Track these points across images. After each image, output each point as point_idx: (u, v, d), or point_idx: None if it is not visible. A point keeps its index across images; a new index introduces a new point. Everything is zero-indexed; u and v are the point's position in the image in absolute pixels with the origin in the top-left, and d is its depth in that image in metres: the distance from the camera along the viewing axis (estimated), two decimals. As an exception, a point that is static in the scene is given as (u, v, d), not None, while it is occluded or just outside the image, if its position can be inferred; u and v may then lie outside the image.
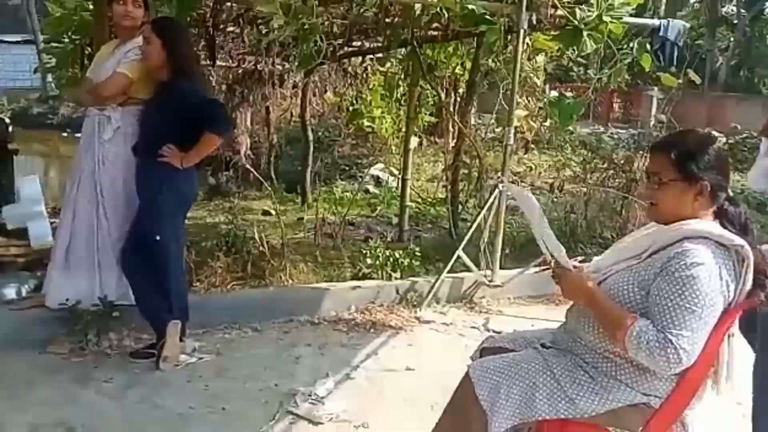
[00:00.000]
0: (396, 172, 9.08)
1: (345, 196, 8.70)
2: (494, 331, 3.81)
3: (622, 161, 5.81)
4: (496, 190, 4.32)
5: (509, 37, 4.88)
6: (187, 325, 3.25)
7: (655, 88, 11.85)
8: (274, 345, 3.48)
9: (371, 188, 9.41)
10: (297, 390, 2.92)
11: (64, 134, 14.84)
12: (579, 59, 8.34)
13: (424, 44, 5.87)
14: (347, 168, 10.09)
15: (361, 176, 10.13)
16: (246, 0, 4.47)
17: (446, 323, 3.94)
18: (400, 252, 4.37)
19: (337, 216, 6.63)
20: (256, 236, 4.74)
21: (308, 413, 2.74)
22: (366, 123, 8.64)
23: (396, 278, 4.23)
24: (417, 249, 4.50)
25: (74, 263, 3.19)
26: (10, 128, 5.70)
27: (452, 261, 4.20)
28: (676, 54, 5.54)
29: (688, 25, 5.74)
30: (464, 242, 4.27)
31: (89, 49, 5.84)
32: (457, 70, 6.40)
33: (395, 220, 6.91)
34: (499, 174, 4.64)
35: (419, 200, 7.26)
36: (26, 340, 3.16)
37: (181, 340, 3.17)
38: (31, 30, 20.16)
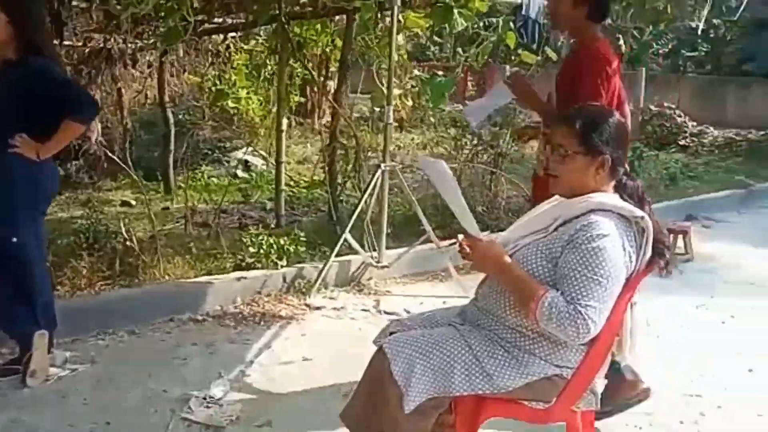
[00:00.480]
0: (265, 155, 8.81)
1: (212, 182, 8.31)
2: (386, 312, 3.82)
3: (489, 138, 6.02)
4: (379, 171, 4.30)
5: (380, 14, 4.85)
6: (55, 334, 2.90)
7: (507, 66, 12.46)
8: (156, 348, 3.22)
9: (240, 173, 9.07)
10: (190, 394, 2.72)
11: None
12: (435, 38, 8.49)
13: (292, 21, 5.69)
14: (210, 152, 9.64)
15: (227, 161, 9.73)
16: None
17: (337, 308, 3.87)
18: (285, 238, 4.22)
19: (207, 204, 6.30)
20: (123, 230, 4.34)
21: (206, 418, 2.55)
22: (231, 104, 8.26)
23: (282, 266, 4.08)
24: (302, 234, 4.36)
25: None
26: None
27: (339, 244, 4.13)
28: (537, 31, 5.82)
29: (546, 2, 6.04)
30: (350, 225, 4.20)
31: None
32: (326, 49, 6.26)
33: (270, 206, 6.71)
34: (379, 154, 4.62)
35: (293, 183, 7.09)
36: None
37: (49, 351, 2.82)
38: None
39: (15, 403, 2.60)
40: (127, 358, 3.09)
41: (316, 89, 8.26)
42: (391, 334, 2.11)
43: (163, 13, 4.04)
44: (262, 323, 3.57)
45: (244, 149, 9.61)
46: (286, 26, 5.48)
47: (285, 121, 7.10)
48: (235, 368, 3.02)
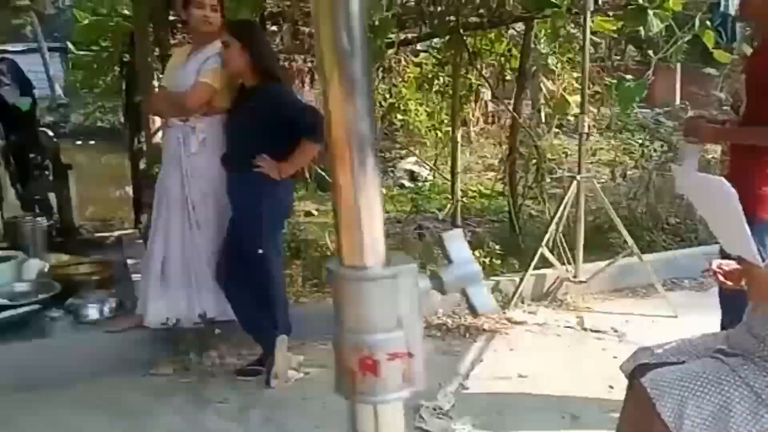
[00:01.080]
0: (432, 165, 8.94)
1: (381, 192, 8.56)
2: (591, 330, 3.71)
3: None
4: (574, 182, 4.20)
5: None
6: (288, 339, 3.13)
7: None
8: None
9: (406, 183, 9.28)
10: (420, 404, 2.81)
11: (78, 142, 14.66)
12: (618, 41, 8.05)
13: (467, 31, 5.73)
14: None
15: (392, 171, 10.00)
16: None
17: (539, 323, 3.82)
18: (480, 251, 4.24)
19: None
20: (328, 240, 4.60)
21: (441, 430, 2.62)
22: (399, 116, 8.48)
23: (479, 278, 4.09)
24: (497, 247, 4.36)
25: (170, 282, 3.06)
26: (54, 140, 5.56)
27: (536, 257, 4.08)
28: (734, 29, 5.39)
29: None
30: (546, 238, 4.14)
31: (127, 56, 5.71)
32: (502, 58, 6.24)
33: (441, 216, 6.79)
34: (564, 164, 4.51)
35: (468, 193, 7.12)
36: (129, 363, 3.05)
37: (284, 355, 3.05)
38: (33, 38, 19.88)
39: (263, 403, 2.84)
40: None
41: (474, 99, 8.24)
42: (640, 366, 2.02)
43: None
44: (467, 336, 3.61)
45: (408, 159, 9.84)
46: (464, 37, 5.53)
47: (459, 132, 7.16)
48: (454, 380, 3.08)
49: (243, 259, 2.95)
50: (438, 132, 8.52)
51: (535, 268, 4.23)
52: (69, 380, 2.96)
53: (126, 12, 5.05)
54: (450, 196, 7.01)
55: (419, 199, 7.41)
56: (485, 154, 9.97)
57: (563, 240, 4.37)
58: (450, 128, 7.92)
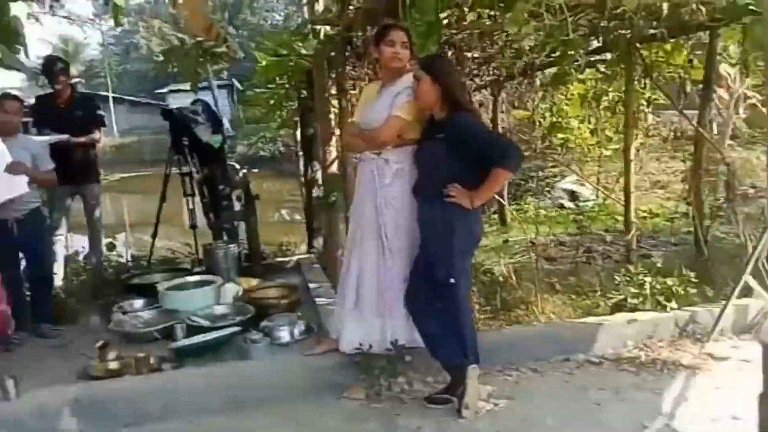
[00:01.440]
0: (594, 184, 8.56)
1: (540, 213, 8.32)
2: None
3: None
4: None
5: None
6: (473, 368, 3.09)
7: None
8: (564, 388, 3.23)
9: (566, 203, 8.96)
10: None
11: (254, 170, 15.83)
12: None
13: (641, 44, 5.42)
14: (531, 183, 9.71)
15: (549, 191, 9.71)
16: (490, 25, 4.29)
17: (745, 360, 3.46)
18: (673, 279, 3.95)
19: (541, 236, 6.26)
20: (503, 267, 4.54)
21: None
22: (560, 135, 8.25)
23: (672, 309, 3.81)
24: (692, 274, 4.04)
25: (364, 308, 3.16)
26: (240, 173, 6.02)
27: (739, 287, 3.72)
28: None
29: None
30: (750, 265, 3.76)
31: (305, 92, 6.07)
32: (679, 70, 5.84)
33: (609, 238, 6.46)
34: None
35: (639, 213, 6.71)
36: (323, 386, 3.18)
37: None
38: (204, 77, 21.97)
39: (456, 432, 2.82)
40: (539, 395, 3.15)
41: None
42: None
43: (555, 55, 4.14)
44: (664, 371, 3.35)
45: (568, 179, 9.51)
46: (638, 51, 5.25)
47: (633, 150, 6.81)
48: (657, 419, 2.86)
49: (433, 288, 2.98)
50: (602, 149, 8.15)
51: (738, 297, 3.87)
52: (268, 401, 3.14)
53: (303, 51, 5.38)
54: (619, 217, 6.66)
55: (583, 220, 7.11)
56: (650, 170, 9.38)
57: (766, 266, 3.96)
58: (617, 145, 7.56)
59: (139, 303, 4.65)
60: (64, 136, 4.95)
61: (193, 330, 3.99)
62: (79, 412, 2.90)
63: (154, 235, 5.72)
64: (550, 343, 3.59)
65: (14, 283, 4.14)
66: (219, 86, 23.05)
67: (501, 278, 4.64)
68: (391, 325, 3.14)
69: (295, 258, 5.82)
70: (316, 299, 4.33)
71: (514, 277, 4.42)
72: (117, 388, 3.11)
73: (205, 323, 4.10)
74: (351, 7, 4.08)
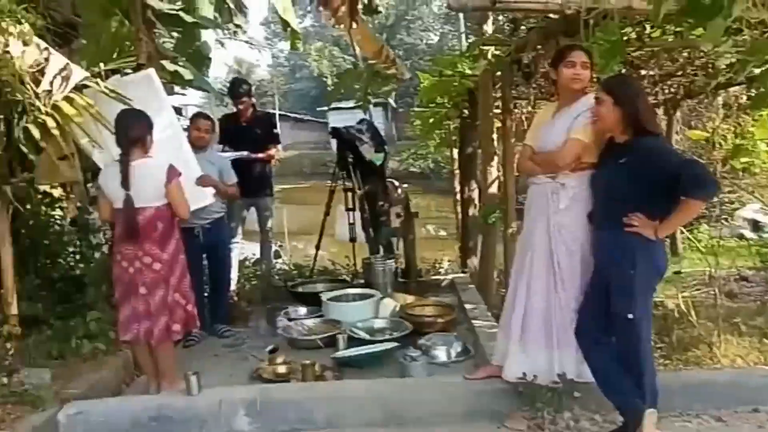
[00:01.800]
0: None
1: (715, 243, 7.60)
2: None
3: None
4: None
5: None
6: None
7: None
8: (755, 443, 2.90)
9: (747, 233, 8.15)
10: None
11: (405, 185, 16.17)
12: None
13: None
14: (710, 211, 8.94)
15: (726, 219, 8.88)
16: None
17: None
18: None
19: (721, 268, 5.67)
20: (679, 302, 4.19)
21: None
22: (744, 159, 7.48)
23: None
24: None
25: (530, 337, 3.05)
26: (399, 190, 6.14)
27: None
28: None
29: None
30: None
31: (466, 111, 6.08)
32: None
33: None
34: None
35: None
36: (483, 413, 3.11)
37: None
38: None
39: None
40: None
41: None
42: None
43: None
44: None
45: (748, 207, 8.65)
46: None
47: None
48: None
49: (610, 322, 2.80)
50: (794, 175, 7.29)
51: None
52: (427, 420, 3.12)
53: (468, 71, 5.39)
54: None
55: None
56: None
57: None
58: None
59: (303, 311, 4.90)
60: (244, 153, 5.35)
61: (353, 341, 4.11)
62: (252, 412, 3.08)
63: (317, 246, 5.99)
64: (737, 390, 3.23)
65: (197, 286, 4.53)
66: (374, 104, 23.92)
67: (676, 314, 4.27)
68: (559, 357, 3.00)
69: (449, 277, 5.81)
70: (473, 321, 4.27)
71: (693, 314, 4.05)
72: (286, 392, 3.26)
73: (365, 336, 4.21)
74: (523, 27, 4.02)
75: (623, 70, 5.00)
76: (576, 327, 2.95)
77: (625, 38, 3.47)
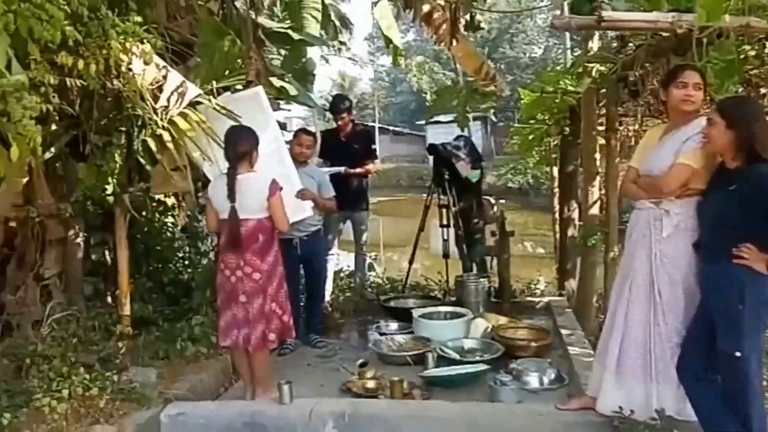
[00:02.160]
0: None
1: None
2: None
3: None
4: None
5: None
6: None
7: None
8: None
9: None
10: None
11: (501, 201, 15.95)
12: None
13: None
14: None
15: None
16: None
17: None
18: None
19: None
20: None
21: None
22: None
23: None
24: None
25: (627, 368, 2.91)
26: (495, 208, 6.07)
27: None
28: None
29: None
30: None
31: (566, 129, 5.93)
32: None
33: None
34: None
35: None
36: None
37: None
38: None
39: None
40: None
41: None
42: None
43: None
44: None
45: None
46: None
47: None
48: None
49: (715, 359, 2.63)
50: None
51: None
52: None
53: (570, 88, 5.26)
54: None
55: None
56: None
57: None
58: None
59: (394, 326, 4.94)
60: (342, 169, 5.49)
61: (442, 360, 4.09)
62: (340, 424, 3.14)
63: (410, 262, 6.03)
64: None
65: (293, 296, 4.67)
66: (474, 118, 23.79)
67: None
68: (658, 392, 2.84)
69: (545, 299, 5.65)
70: (569, 347, 4.13)
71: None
72: (375, 408, 3.30)
73: (455, 356, 4.18)
74: (631, 44, 3.88)
75: (740, 90, 4.71)
76: (678, 362, 2.78)
77: (742, 56, 3.26)
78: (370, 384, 3.74)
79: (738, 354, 2.56)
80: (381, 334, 4.72)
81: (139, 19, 3.63)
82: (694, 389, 2.74)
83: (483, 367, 3.85)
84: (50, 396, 3.27)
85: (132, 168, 4.38)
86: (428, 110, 8.47)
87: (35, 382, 3.48)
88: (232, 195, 3.52)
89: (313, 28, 8.57)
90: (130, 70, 3.79)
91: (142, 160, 4.26)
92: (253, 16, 5.54)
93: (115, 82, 3.67)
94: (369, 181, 5.89)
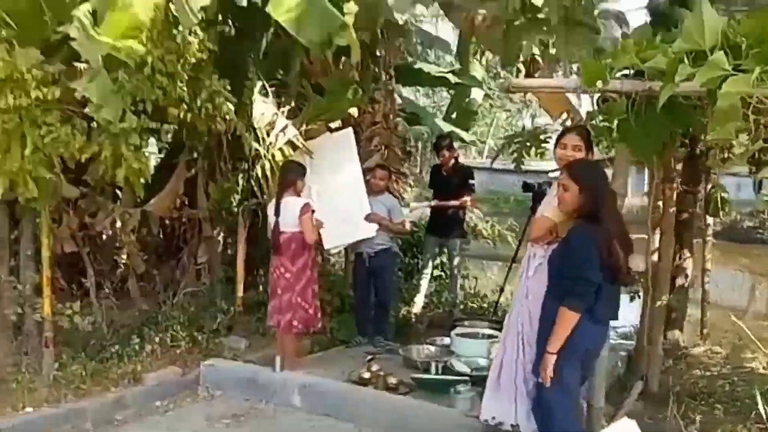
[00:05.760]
0: None
1: None
2: None
3: None
4: None
5: None
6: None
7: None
8: None
9: None
10: None
11: None
12: None
13: None
14: None
15: None
16: None
17: None
18: None
19: None
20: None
21: None
22: None
23: None
24: None
25: (502, 385, 3.34)
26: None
27: None
28: None
29: None
30: None
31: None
32: None
33: None
34: None
35: None
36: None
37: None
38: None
39: None
40: None
41: None
42: None
43: None
44: None
45: None
46: None
47: None
48: None
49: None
50: None
51: None
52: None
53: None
54: None
55: None
56: None
57: None
58: None
59: (446, 341, 5.57)
60: (433, 202, 6.37)
61: (447, 371, 4.68)
62: (303, 392, 4.09)
63: (501, 288, 6.51)
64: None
65: (364, 302, 5.66)
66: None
67: None
68: (517, 410, 3.23)
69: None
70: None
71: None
72: (329, 386, 4.20)
73: (465, 369, 4.71)
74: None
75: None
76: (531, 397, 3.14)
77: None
78: (365, 375, 4.55)
79: (548, 385, 2.91)
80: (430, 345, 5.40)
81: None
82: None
83: (461, 378, 4.36)
84: (150, 342, 4.83)
85: (252, 187, 5.86)
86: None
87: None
88: (277, 212, 4.72)
89: (478, 71, 9.49)
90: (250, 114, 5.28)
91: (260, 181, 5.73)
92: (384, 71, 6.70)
93: (221, 124, 5.09)
94: (466, 212, 6.56)
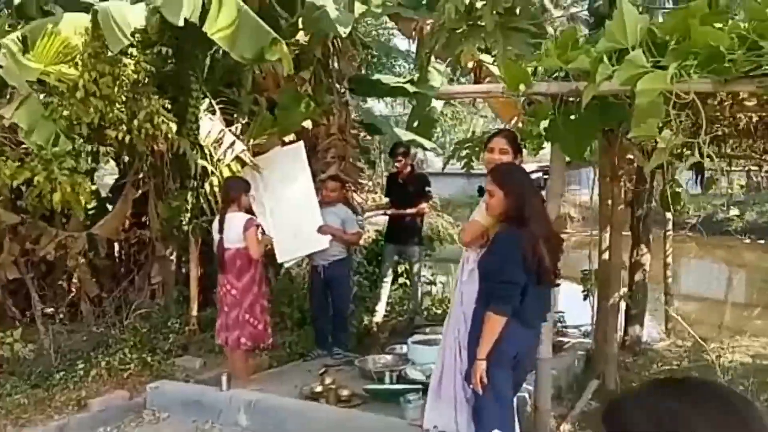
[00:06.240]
0: None
1: None
2: None
3: None
4: None
5: None
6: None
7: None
8: None
9: None
10: None
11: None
12: None
13: None
14: None
15: None
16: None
17: None
18: None
19: None
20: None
21: None
22: None
23: None
24: None
25: (443, 393, 3.29)
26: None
27: None
28: None
29: None
30: None
31: None
32: None
33: None
34: None
35: None
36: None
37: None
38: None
39: None
40: None
41: None
42: None
43: None
44: None
45: None
46: None
47: None
48: None
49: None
50: None
51: None
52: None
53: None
54: None
55: None
56: None
57: None
58: None
59: (404, 349, 5.51)
60: (389, 211, 6.33)
61: (400, 380, 4.62)
62: (249, 411, 4.01)
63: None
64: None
65: (321, 314, 5.59)
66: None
67: None
68: (457, 417, 3.18)
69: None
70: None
71: None
72: (277, 401, 4.11)
73: (420, 376, 4.65)
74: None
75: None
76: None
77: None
78: (317, 389, 4.48)
79: (480, 392, 2.88)
80: (388, 354, 5.34)
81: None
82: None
83: (413, 387, 4.30)
84: (97, 367, 4.72)
85: (202, 204, 5.78)
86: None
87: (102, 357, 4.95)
88: (221, 229, 4.65)
89: (436, 79, 9.47)
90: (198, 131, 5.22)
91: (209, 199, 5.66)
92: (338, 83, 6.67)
93: (162, 143, 5.05)
94: (423, 219, 6.53)
